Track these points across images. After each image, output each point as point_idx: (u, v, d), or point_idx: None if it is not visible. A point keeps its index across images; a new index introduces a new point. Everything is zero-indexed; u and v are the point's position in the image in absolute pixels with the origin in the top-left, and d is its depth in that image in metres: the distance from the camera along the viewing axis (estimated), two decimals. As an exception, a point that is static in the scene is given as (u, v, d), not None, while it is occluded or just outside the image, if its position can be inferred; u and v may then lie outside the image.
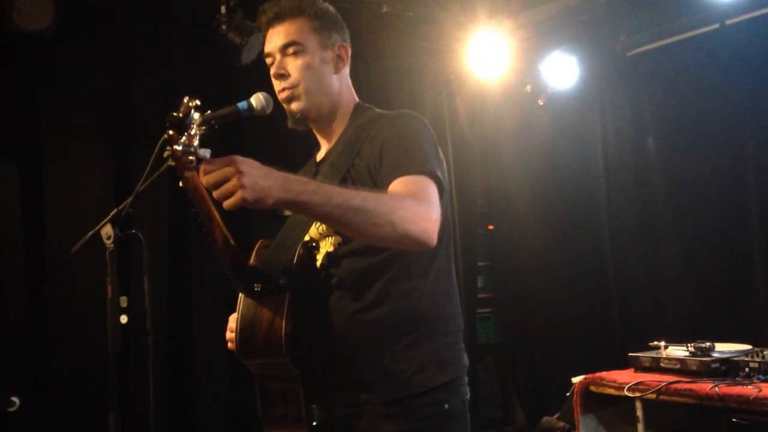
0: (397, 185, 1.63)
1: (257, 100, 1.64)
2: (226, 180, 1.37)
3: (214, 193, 1.39)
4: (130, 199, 1.85)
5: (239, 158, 1.39)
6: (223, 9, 3.67)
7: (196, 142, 1.37)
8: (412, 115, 1.81)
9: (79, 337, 3.46)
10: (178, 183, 1.43)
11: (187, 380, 3.86)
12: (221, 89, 4.03)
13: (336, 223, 1.54)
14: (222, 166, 1.38)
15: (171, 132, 1.38)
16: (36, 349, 3.44)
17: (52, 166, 3.59)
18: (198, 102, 1.40)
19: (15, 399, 3.13)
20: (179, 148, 1.36)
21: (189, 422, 3.84)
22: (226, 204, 1.38)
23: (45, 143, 3.58)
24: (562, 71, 4.68)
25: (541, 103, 4.88)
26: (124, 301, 1.90)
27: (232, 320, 1.75)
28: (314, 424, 1.66)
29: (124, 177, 3.72)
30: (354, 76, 1.96)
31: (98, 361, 3.12)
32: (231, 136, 3.81)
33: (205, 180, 1.38)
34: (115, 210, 1.87)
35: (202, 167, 1.39)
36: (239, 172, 1.36)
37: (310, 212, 1.48)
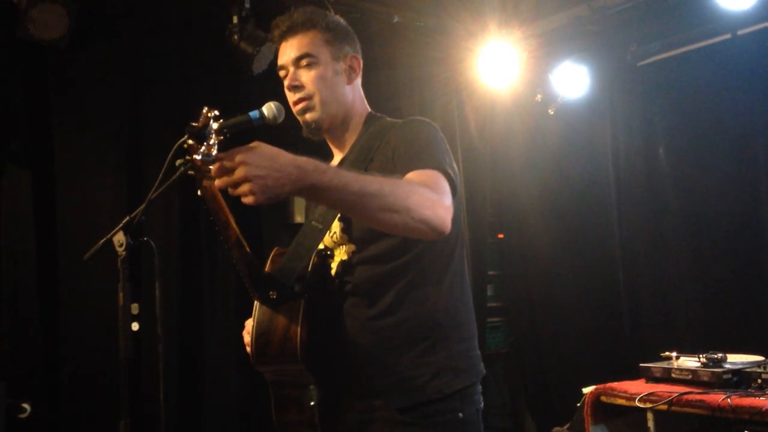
0: (409, 177, 1.64)
1: (269, 109, 1.66)
2: (237, 183, 1.36)
3: (230, 191, 1.38)
4: (142, 206, 1.86)
5: (247, 154, 1.36)
6: (235, 19, 3.70)
7: (214, 152, 1.38)
8: (423, 121, 1.84)
9: (91, 344, 3.48)
10: (196, 191, 1.44)
11: (197, 387, 3.87)
12: (233, 98, 4.06)
13: (352, 210, 1.53)
14: (230, 164, 1.35)
15: (191, 142, 1.39)
16: (47, 355, 3.45)
17: (65, 173, 3.62)
18: (216, 112, 1.41)
19: (26, 406, 3.14)
20: (198, 157, 1.37)
21: (199, 428, 3.85)
22: (244, 201, 1.37)
23: (58, 151, 3.62)
24: (573, 81, 4.68)
25: (552, 113, 4.88)
26: (135, 308, 1.92)
27: (250, 324, 1.77)
28: (311, 404, 1.68)
29: (136, 184, 3.75)
30: (364, 85, 1.98)
31: (109, 367, 3.14)
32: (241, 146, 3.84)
33: (217, 183, 1.38)
34: (128, 218, 1.89)
35: (213, 168, 1.38)
36: (247, 180, 1.34)
37: (327, 199, 1.48)
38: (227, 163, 1.36)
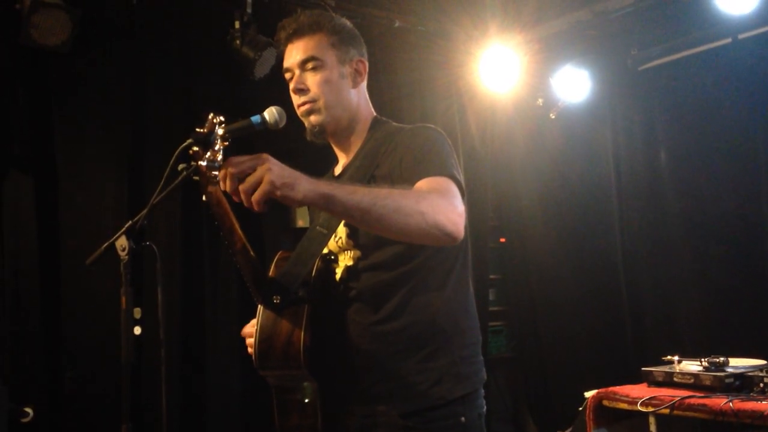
0: (419, 185, 1.64)
1: (270, 114, 1.66)
2: (252, 171, 1.38)
3: (241, 187, 1.38)
4: (144, 211, 1.86)
5: (266, 155, 1.41)
6: (237, 24, 3.71)
7: (219, 157, 1.39)
8: (429, 127, 1.84)
9: (93, 348, 3.48)
10: (201, 197, 1.45)
11: (199, 391, 3.86)
12: (235, 103, 4.07)
13: (364, 217, 1.49)
14: (248, 160, 1.40)
15: (195, 148, 1.39)
16: (50, 359, 3.46)
17: (67, 178, 3.62)
18: (222, 118, 1.42)
19: (29, 410, 3.14)
20: (204, 163, 1.38)
21: (201, 433, 3.85)
22: (255, 196, 1.37)
23: (60, 156, 3.62)
24: (574, 85, 4.69)
25: (553, 117, 4.89)
26: (137, 312, 1.91)
27: (250, 326, 1.77)
28: (306, 401, 1.68)
29: (138, 189, 3.75)
30: (366, 89, 1.98)
31: (111, 371, 3.15)
32: (243, 151, 3.84)
33: (231, 171, 1.38)
34: (130, 222, 1.89)
35: (229, 160, 1.38)
36: (265, 161, 1.38)
37: (338, 206, 1.45)
38: (245, 157, 1.39)
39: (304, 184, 1.41)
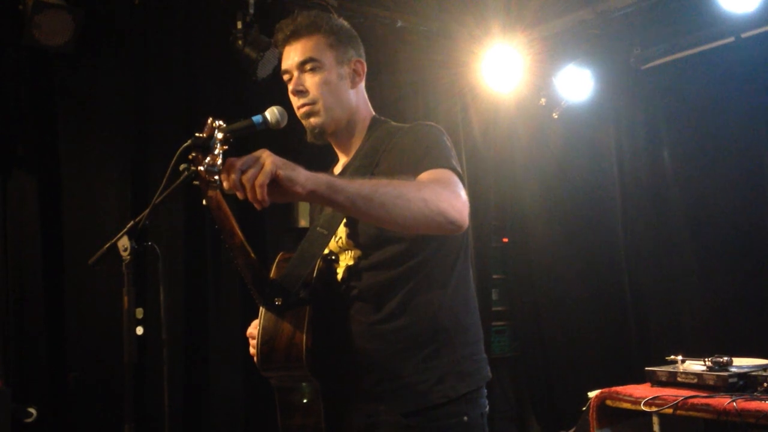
0: (420, 178, 1.64)
1: (272, 113, 1.66)
2: (253, 163, 1.36)
3: (244, 176, 1.35)
4: (146, 211, 1.87)
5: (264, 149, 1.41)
6: (239, 24, 3.72)
7: (219, 161, 1.38)
8: (429, 124, 1.84)
9: (96, 349, 3.49)
10: (202, 201, 1.45)
11: (201, 391, 3.87)
12: (237, 103, 4.07)
13: (366, 204, 1.45)
14: (248, 156, 1.39)
15: (194, 153, 1.39)
16: (53, 360, 3.47)
17: (70, 179, 3.63)
18: (222, 122, 1.41)
19: (32, 410, 3.15)
20: (203, 168, 1.37)
21: (204, 433, 3.85)
22: (260, 178, 1.34)
23: (64, 156, 3.64)
24: (576, 84, 4.68)
25: (556, 117, 4.88)
26: (140, 313, 1.92)
27: (253, 327, 1.77)
28: (305, 401, 1.68)
29: (141, 189, 3.76)
30: (368, 89, 1.98)
31: (114, 372, 3.16)
32: (243, 152, 3.84)
33: (234, 164, 1.36)
34: (132, 222, 1.89)
35: (228, 160, 1.38)
36: (264, 150, 1.38)
37: (340, 193, 1.42)
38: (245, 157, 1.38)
39: (304, 174, 1.40)
